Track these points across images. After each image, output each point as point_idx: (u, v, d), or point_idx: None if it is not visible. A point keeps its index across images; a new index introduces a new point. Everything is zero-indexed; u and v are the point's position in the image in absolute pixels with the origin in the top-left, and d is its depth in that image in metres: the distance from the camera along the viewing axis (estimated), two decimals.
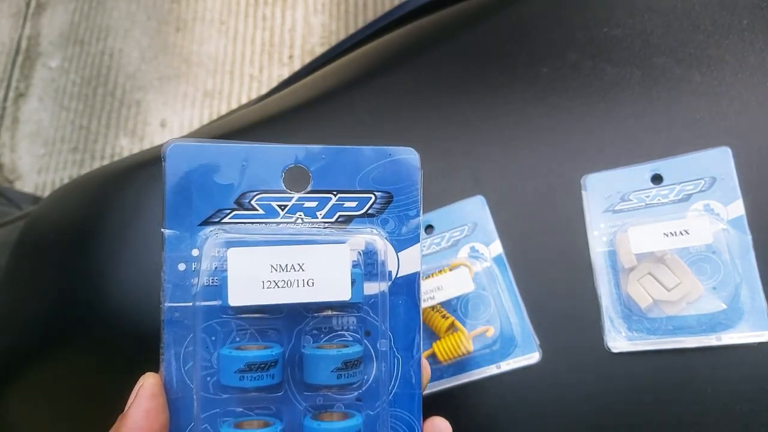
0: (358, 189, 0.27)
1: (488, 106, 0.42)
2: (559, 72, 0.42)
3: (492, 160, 0.41)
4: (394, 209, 0.27)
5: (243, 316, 0.26)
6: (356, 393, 0.26)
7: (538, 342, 0.38)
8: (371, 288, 0.26)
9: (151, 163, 0.45)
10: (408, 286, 0.27)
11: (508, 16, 0.45)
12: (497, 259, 0.39)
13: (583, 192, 0.39)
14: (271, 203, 0.26)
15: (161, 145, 0.49)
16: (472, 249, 0.40)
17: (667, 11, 0.41)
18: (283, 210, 0.26)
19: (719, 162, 0.37)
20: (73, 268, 0.43)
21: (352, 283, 0.25)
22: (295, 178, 0.27)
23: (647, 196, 0.38)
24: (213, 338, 0.25)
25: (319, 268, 0.25)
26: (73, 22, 1.34)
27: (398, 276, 0.27)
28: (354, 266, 0.26)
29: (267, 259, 0.25)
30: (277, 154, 0.26)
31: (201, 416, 0.25)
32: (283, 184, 0.26)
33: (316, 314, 0.26)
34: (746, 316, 0.35)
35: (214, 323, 0.26)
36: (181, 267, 0.26)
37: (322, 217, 0.27)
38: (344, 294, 0.25)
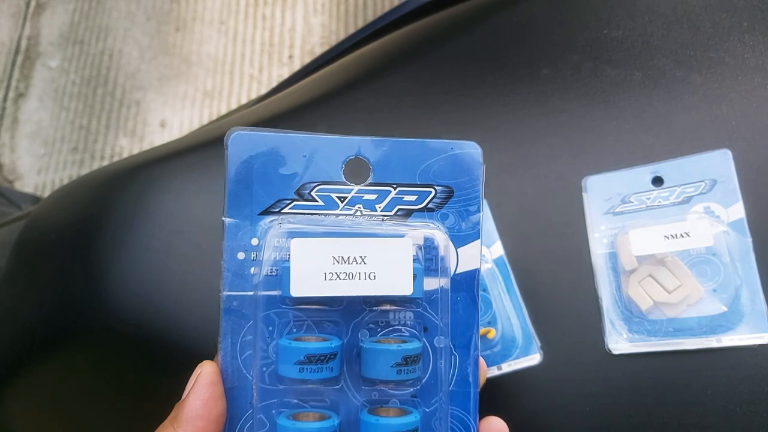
0: (419, 183, 0.27)
1: (488, 107, 0.42)
2: (560, 73, 0.42)
3: (492, 162, 0.41)
4: (454, 204, 0.27)
5: (301, 306, 0.26)
6: (412, 389, 0.26)
7: (539, 343, 0.38)
8: (430, 284, 0.26)
9: (152, 163, 0.45)
10: (467, 283, 0.27)
11: (508, 17, 0.45)
12: (498, 261, 0.39)
13: (584, 194, 0.39)
14: (331, 195, 0.26)
15: (160, 146, 0.49)
16: None
17: (668, 13, 0.41)
18: (342, 202, 0.26)
19: (719, 164, 0.37)
20: (73, 269, 0.43)
21: (413, 277, 0.25)
22: (356, 170, 0.27)
23: (648, 198, 0.38)
24: (270, 328, 0.25)
25: (381, 262, 0.25)
26: (72, 22, 1.34)
27: (457, 272, 0.27)
28: (413, 261, 0.25)
29: (329, 250, 0.25)
30: (339, 146, 0.26)
31: (257, 406, 0.25)
32: (343, 176, 0.26)
33: (374, 308, 0.26)
34: (746, 318, 0.35)
35: (272, 313, 0.25)
36: (241, 256, 0.25)
37: (381, 210, 0.26)
38: (406, 289, 0.25)
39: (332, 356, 0.24)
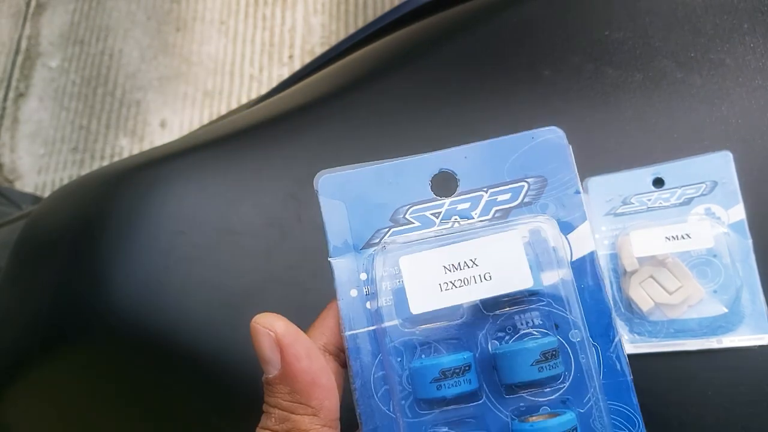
0: (508, 180, 0.26)
1: (489, 108, 0.42)
2: (561, 75, 0.42)
3: None
4: (551, 192, 0.25)
5: (423, 327, 0.25)
6: (559, 393, 0.24)
7: None
8: (550, 277, 0.24)
9: (152, 163, 0.45)
10: (587, 268, 0.25)
11: (509, 18, 0.45)
12: None
13: (585, 195, 0.39)
14: (425, 213, 0.26)
15: (161, 146, 0.49)
16: None
17: (669, 14, 0.41)
18: (437, 218, 0.26)
19: (720, 166, 0.37)
20: (73, 269, 0.43)
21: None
22: (443, 183, 0.26)
23: (649, 200, 0.38)
24: (399, 359, 0.25)
25: (494, 260, 0.24)
26: (73, 22, 1.34)
27: (572, 260, 0.25)
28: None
29: (438, 260, 0.24)
30: (420, 165, 0.26)
31: None
32: (431, 192, 0.26)
33: (497, 313, 0.25)
34: (747, 319, 0.35)
35: (396, 344, 0.25)
36: (353, 293, 0.25)
37: (478, 217, 0.26)
38: (526, 281, 0.23)
39: (467, 368, 0.23)
